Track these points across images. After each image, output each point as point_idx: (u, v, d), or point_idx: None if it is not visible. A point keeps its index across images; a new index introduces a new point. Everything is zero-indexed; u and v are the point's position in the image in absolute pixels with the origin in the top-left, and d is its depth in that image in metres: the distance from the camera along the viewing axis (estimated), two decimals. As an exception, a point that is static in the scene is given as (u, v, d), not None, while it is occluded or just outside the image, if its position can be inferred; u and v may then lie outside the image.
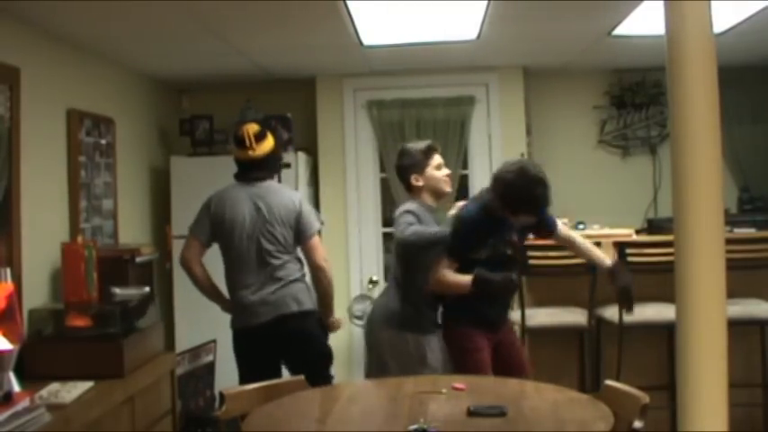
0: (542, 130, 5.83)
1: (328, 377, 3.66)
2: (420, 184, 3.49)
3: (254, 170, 3.64)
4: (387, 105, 5.59)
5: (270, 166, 3.70)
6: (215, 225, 3.63)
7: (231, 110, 5.48)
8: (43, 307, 3.56)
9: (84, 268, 3.62)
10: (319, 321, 3.70)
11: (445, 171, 3.56)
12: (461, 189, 5.63)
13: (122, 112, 4.81)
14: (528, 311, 4.24)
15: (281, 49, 4.66)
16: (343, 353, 5.23)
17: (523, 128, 5.59)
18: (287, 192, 3.71)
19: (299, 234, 3.61)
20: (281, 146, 3.84)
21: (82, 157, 4.20)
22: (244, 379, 3.53)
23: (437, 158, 3.53)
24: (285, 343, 3.56)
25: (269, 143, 3.67)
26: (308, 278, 3.75)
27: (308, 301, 3.63)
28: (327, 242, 4.20)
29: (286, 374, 3.59)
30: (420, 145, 3.57)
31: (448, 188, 3.59)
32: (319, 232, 3.75)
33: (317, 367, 3.51)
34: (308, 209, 3.68)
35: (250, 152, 3.62)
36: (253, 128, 3.66)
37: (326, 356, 3.69)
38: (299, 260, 3.70)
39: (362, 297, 5.27)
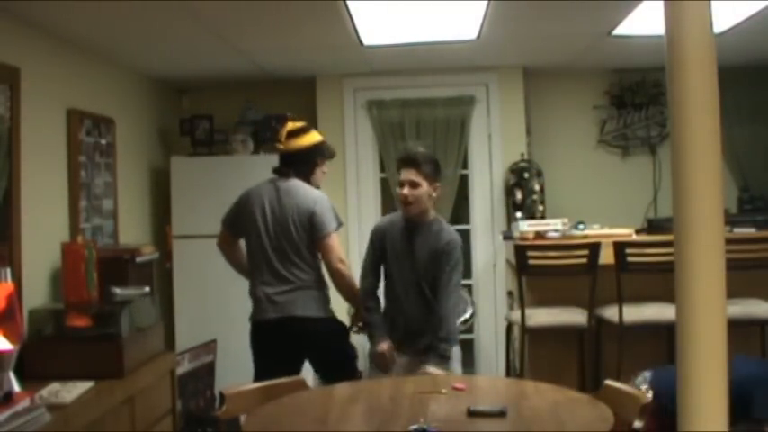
0: (542, 130, 5.83)
1: (354, 374, 3.58)
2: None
3: (282, 165, 3.66)
4: (387, 105, 5.59)
5: (295, 164, 3.62)
6: (239, 218, 3.65)
7: (231, 110, 5.49)
8: (43, 307, 3.56)
9: (84, 268, 3.62)
10: (335, 325, 3.62)
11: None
12: (461, 190, 5.64)
13: (122, 112, 4.81)
14: (528, 311, 4.24)
15: (281, 49, 4.67)
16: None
17: (523, 128, 5.59)
18: (305, 192, 3.57)
19: (314, 235, 3.53)
20: (317, 149, 3.68)
21: (82, 157, 4.20)
22: (258, 373, 3.51)
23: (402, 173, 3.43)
24: (295, 344, 3.51)
25: (299, 142, 3.61)
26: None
27: (317, 309, 3.53)
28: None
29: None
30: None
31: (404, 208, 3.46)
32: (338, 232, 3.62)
33: (337, 369, 3.46)
34: (323, 209, 3.54)
35: (278, 145, 3.65)
36: (293, 123, 3.66)
37: (342, 360, 3.58)
38: (318, 266, 3.61)
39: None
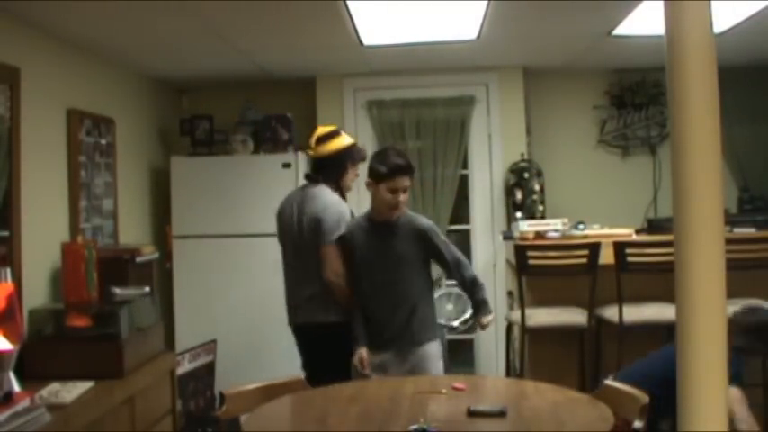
0: (542, 130, 5.83)
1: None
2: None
3: (312, 170, 3.68)
4: (387, 105, 5.59)
5: (324, 169, 3.60)
6: (278, 226, 3.70)
7: (231, 110, 5.49)
8: (43, 307, 3.56)
9: (84, 268, 3.62)
10: (345, 331, 3.53)
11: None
12: (461, 190, 5.64)
13: (122, 112, 4.81)
14: (528, 311, 4.24)
15: (281, 49, 4.67)
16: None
17: (523, 128, 5.59)
18: (321, 199, 3.51)
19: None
20: (346, 154, 3.62)
21: (82, 157, 4.20)
22: (304, 365, 3.61)
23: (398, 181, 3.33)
24: (318, 348, 3.52)
25: (328, 147, 3.58)
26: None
27: (334, 314, 3.49)
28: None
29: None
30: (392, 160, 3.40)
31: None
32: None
33: (325, 371, 3.42)
34: (330, 217, 3.45)
35: (308, 152, 3.69)
36: (321, 129, 3.67)
37: (338, 370, 3.41)
38: None
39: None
